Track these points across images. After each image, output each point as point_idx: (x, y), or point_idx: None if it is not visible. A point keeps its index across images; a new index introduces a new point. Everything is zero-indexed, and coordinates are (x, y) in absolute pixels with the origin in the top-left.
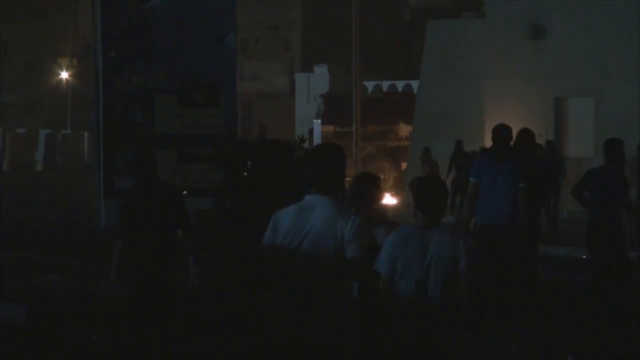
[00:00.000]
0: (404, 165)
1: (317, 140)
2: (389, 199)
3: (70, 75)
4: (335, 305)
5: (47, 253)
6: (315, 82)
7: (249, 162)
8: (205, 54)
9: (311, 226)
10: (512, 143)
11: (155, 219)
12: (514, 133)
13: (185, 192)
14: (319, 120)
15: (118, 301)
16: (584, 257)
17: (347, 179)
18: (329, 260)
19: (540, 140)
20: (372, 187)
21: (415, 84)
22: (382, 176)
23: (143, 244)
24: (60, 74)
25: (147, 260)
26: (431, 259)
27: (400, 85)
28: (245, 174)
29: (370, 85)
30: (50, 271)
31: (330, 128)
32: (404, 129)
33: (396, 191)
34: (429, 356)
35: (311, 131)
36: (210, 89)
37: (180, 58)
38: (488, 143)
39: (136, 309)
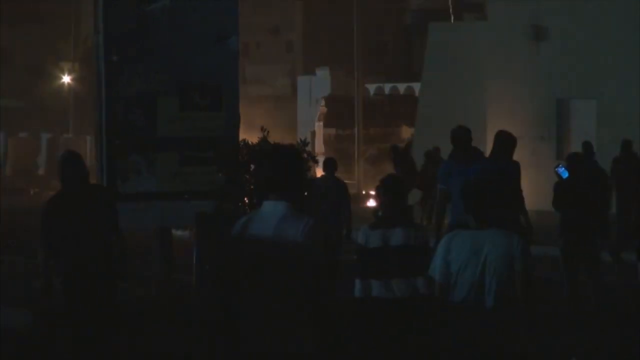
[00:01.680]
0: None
1: (319, 143)
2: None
3: (71, 79)
4: (296, 312)
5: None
6: (317, 84)
7: (251, 166)
8: (207, 56)
9: (266, 234)
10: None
11: (87, 224)
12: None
13: (186, 195)
14: (321, 123)
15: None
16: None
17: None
18: (285, 266)
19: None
20: (394, 192)
21: (417, 86)
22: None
23: (76, 252)
24: (61, 78)
25: (81, 270)
26: (485, 261)
27: (402, 87)
28: (247, 177)
29: (372, 87)
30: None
31: (332, 131)
32: (406, 131)
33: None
34: None
35: (313, 134)
36: (213, 92)
37: (182, 61)
38: (490, 145)
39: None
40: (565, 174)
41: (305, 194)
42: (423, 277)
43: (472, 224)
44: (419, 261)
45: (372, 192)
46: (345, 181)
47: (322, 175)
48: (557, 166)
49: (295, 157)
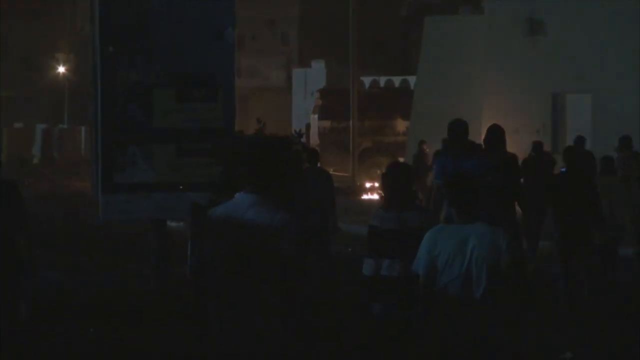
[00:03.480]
0: (401, 160)
1: (314, 135)
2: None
3: (67, 70)
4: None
5: (45, 248)
6: (312, 77)
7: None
8: (204, 48)
9: (240, 226)
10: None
11: None
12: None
13: (181, 187)
14: (316, 116)
15: None
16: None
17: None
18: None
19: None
20: (404, 177)
21: (412, 80)
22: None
23: None
24: (57, 69)
25: None
26: (472, 255)
27: (397, 80)
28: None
29: (367, 80)
30: (48, 266)
31: (328, 123)
32: (401, 124)
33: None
34: (476, 357)
35: (308, 126)
36: (209, 84)
37: (178, 53)
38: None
39: None
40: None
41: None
42: None
43: (456, 218)
44: None
45: (368, 185)
46: (340, 174)
47: (307, 167)
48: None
49: (271, 150)
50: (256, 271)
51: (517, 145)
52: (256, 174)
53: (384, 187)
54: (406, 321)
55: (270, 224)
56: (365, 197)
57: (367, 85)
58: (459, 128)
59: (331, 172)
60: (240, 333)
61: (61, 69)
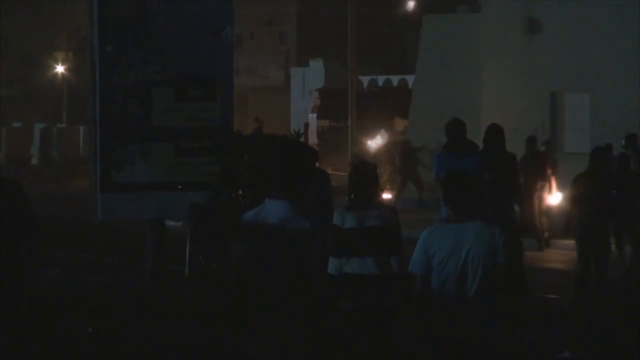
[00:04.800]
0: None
1: (312, 134)
2: (384, 194)
3: (65, 69)
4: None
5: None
6: (310, 76)
7: (245, 157)
8: (203, 47)
9: (268, 234)
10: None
11: None
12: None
13: (180, 186)
14: (315, 115)
15: None
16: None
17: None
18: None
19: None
20: (369, 175)
21: (410, 79)
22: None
23: None
24: (55, 68)
25: None
26: (468, 254)
27: (395, 79)
28: (241, 168)
29: (365, 79)
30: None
31: (326, 122)
32: (399, 124)
33: (392, 186)
34: (471, 356)
35: (307, 125)
36: (208, 83)
37: (177, 51)
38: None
39: None
40: None
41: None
42: (395, 257)
43: (451, 217)
44: (392, 241)
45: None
46: (339, 173)
47: None
48: None
49: (302, 152)
50: (281, 281)
51: (515, 145)
52: (289, 181)
53: (349, 185)
54: (385, 312)
55: (300, 230)
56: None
57: (365, 84)
58: (456, 127)
59: (330, 171)
60: (267, 339)
61: (60, 68)
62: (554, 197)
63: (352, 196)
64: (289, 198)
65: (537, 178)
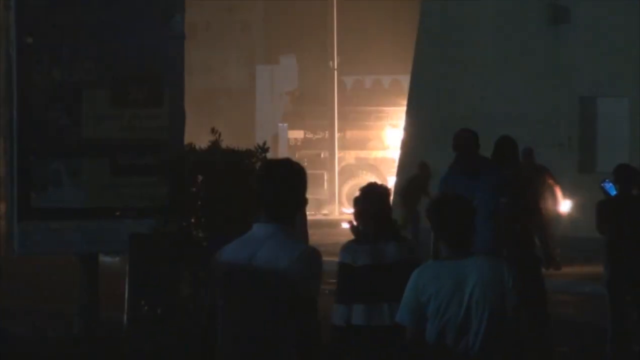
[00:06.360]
0: (391, 181)
1: (283, 148)
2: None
3: None
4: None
5: None
6: (280, 76)
7: (199, 177)
8: (146, 39)
9: (256, 263)
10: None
11: None
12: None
13: (117, 212)
14: (286, 125)
15: None
16: None
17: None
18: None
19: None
20: (380, 202)
21: (405, 80)
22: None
23: None
24: None
25: None
26: (471, 298)
27: (386, 80)
28: (193, 190)
29: (348, 81)
30: None
31: (300, 133)
32: (391, 136)
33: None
34: None
35: (276, 137)
36: (152, 84)
37: (114, 44)
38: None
39: None
40: (613, 191)
41: None
42: None
43: (444, 252)
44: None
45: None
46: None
47: None
48: (604, 181)
49: (293, 172)
50: (270, 315)
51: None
52: (282, 202)
53: (356, 214)
54: None
55: (292, 255)
56: (345, 226)
57: (348, 86)
58: (466, 140)
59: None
60: None
61: None
62: (564, 205)
63: (360, 227)
64: (278, 221)
65: (546, 195)
